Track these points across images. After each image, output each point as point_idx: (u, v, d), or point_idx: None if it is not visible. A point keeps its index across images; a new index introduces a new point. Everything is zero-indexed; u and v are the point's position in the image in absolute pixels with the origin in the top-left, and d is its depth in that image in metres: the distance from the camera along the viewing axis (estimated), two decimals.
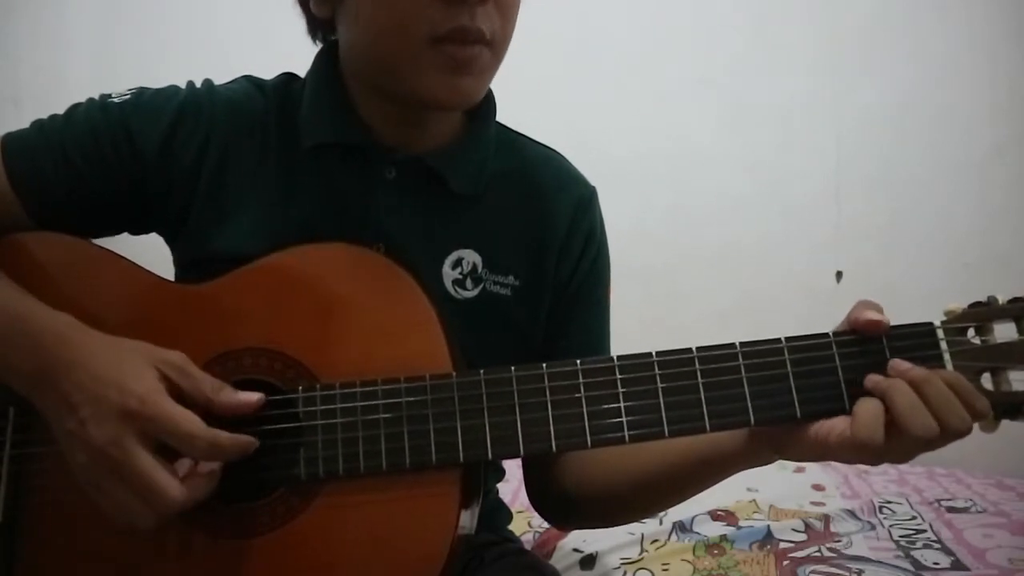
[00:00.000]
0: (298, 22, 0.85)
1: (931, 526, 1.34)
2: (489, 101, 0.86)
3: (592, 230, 0.87)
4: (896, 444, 0.60)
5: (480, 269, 0.81)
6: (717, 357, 0.64)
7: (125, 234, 0.83)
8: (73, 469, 0.63)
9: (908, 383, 0.60)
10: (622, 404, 0.64)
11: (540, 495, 0.86)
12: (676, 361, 0.64)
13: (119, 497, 0.61)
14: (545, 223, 0.84)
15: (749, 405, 0.63)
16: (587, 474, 0.80)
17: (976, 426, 0.61)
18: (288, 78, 0.85)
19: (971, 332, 0.63)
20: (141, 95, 0.79)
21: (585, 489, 0.81)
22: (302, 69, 0.85)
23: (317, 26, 0.83)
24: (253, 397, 0.66)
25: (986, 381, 0.62)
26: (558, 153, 0.91)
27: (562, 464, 0.82)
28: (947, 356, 0.62)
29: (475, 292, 0.80)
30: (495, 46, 0.72)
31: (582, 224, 0.86)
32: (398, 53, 0.71)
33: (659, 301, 2.18)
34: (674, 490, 0.78)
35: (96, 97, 0.79)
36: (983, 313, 0.63)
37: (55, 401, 0.64)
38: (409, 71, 0.71)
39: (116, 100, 0.79)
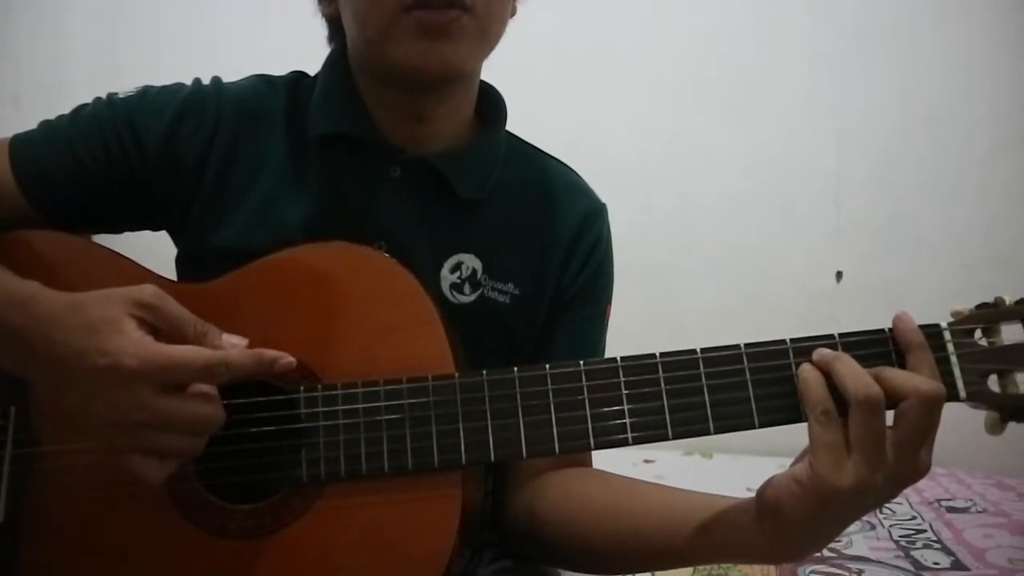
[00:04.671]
0: (297, 23, 0.86)
1: (931, 526, 1.34)
2: (499, 108, 0.85)
3: (597, 244, 0.86)
4: (855, 460, 0.57)
5: (480, 275, 0.80)
6: (722, 359, 0.63)
7: (126, 234, 0.83)
8: (99, 440, 0.62)
9: (815, 365, 0.60)
10: (626, 406, 0.63)
11: (510, 521, 0.82)
12: (680, 363, 0.63)
13: (163, 444, 0.60)
14: (550, 234, 0.83)
15: (753, 407, 0.62)
16: (566, 512, 0.76)
17: (985, 431, 0.61)
18: (299, 75, 0.85)
19: (978, 333, 0.62)
20: (146, 92, 0.79)
21: (561, 528, 0.76)
22: (302, 69, 0.86)
23: (332, 29, 0.84)
24: (243, 343, 0.63)
25: (993, 383, 0.61)
26: (569, 167, 0.90)
27: (539, 491, 0.79)
28: (954, 358, 0.62)
29: (472, 297, 0.80)
30: (478, 13, 0.71)
31: (587, 236, 0.85)
32: (377, 26, 0.71)
33: (659, 301, 2.19)
34: (660, 562, 0.74)
35: (103, 96, 0.79)
36: (990, 314, 0.62)
37: (49, 379, 0.63)
38: (388, 42, 0.71)
39: (122, 98, 0.79)
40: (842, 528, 0.63)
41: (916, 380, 0.58)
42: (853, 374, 0.58)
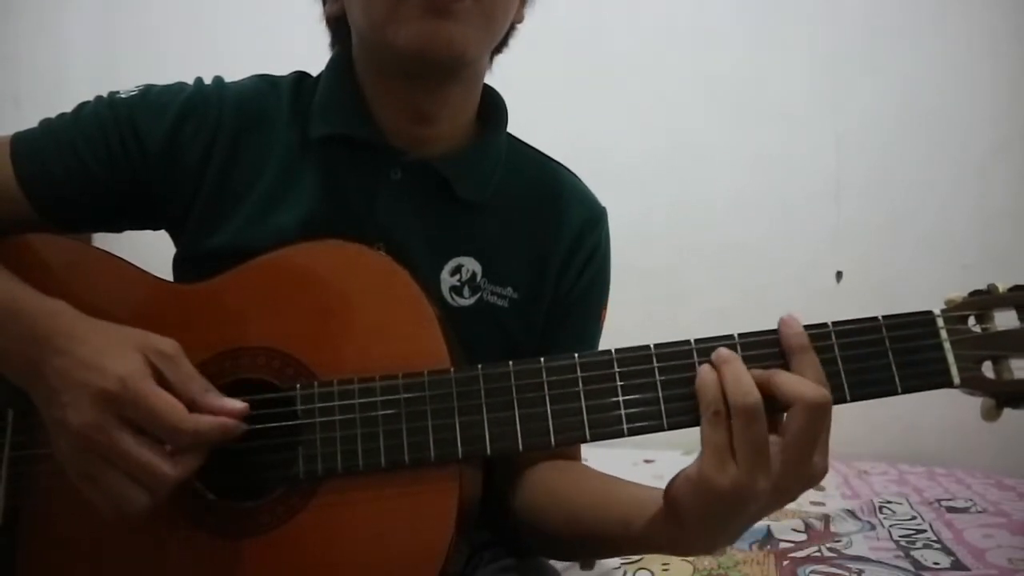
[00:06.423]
0: (297, 23, 0.86)
1: (931, 526, 1.34)
2: (500, 110, 0.85)
3: (596, 249, 0.86)
4: (735, 454, 0.57)
5: (479, 278, 0.80)
6: (715, 348, 0.63)
7: (125, 234, 0.84)
8: (62, 460, 0.63)
9: (713, 366, 0.60)
10: (621, 398, 0.64)
11: (502, 511, 0.83)
12: (674, 353, 0.64)
13: (109, 481, 0.60)
14: (549, 238, 0.84)
15: None
16: (535, 509, 0.78)
17: (981, 417, 0.61)
18: (301, 75, 0.85)
19: (971, 320, 0.62)
20: (148, 92, 0.79)
21: (528, 513, 0.79)
22: (303, 69, 0.86)
23: (336, 32, 0.84)
24: (238, 405, 0.64)
25: (987, 370, 0.61)
26: (571, 171, 0.90)
27: (517, 487, 0.81)
28: (947, 345, 0.62)
29: (471, 301, 0.80)
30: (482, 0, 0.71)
31: (585, 244, 0.85)
32: (382, 11, 0.71)
33: (659, 300, 2.18)
34: (609, 551, 0.77)
35: (104, 95, 0.79)
36: (984, 301, 0.62)
37: (43, 389, 0.63)
38: (393, 24, 0.70)
39: (123, 96, 0.79)
40: (737, 529, 0.63)
41: (802, 387, 0.58)
42: (734, 381, 0.58)
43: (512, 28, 0.82)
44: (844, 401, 0.62)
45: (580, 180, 0.90)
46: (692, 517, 0.60)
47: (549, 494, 0.78)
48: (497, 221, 0.82)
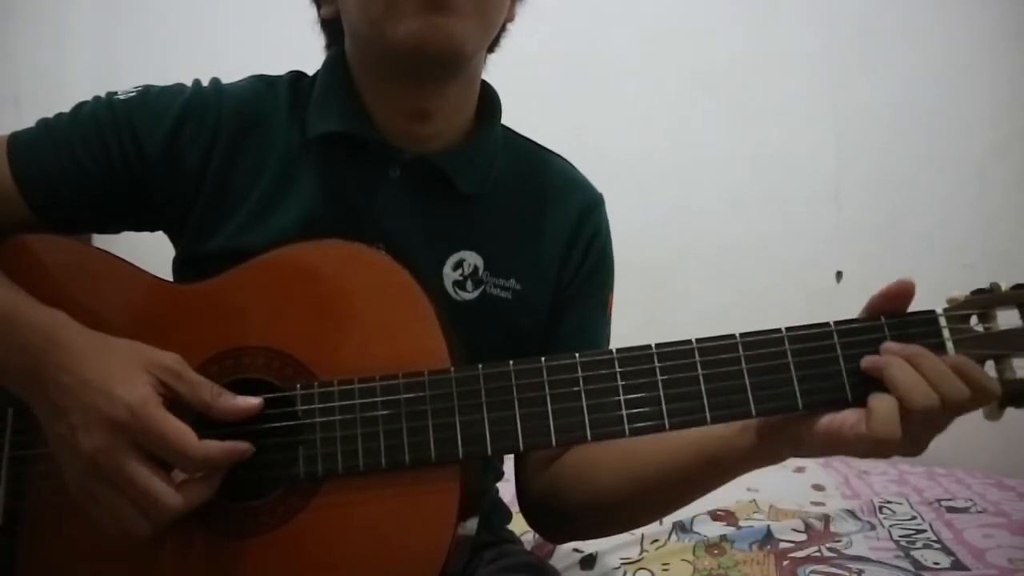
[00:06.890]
0: (298, 23, 0.86)
1: (931, 526, 1.34)
2: (494, 103, 0.86)
3: (595, 236, 0.87)
4: (905, 428, 0.59)
5: (481, 271, 0.80)
6: (717, 348, 0.63)
7: (125, 234, 0.83)
8: (65, 475, 0.63)
9: (904, 359, 0.60)
10: (622, 397, 0.63)
11: (535, 505, 0.85)
12: (676, 353, 0.64)
13: (113, 505, 0.61)
14: (549, 228, 0.84)
15: (750, 396, 0.62)
16: (588, 477, 0.79)
17: (982, 416, 0.61)
18: (298, 75, 0.85)
19: (974, 319, 0.62)
20: (147, 93, 0.79)
21: (585, 494, 0.79)
22: (303, 68, 0.86)
23: (331, 34, 0.84)
24: (253, 402, 0.65)
25: (990, 369, 0.61)
26: (566, 159, 0.91)
27: (559, 469, 0.81)
28: (950, 344, 0.62)
29: (475, 294, 0.80)
30: None
31: (586, 230, 0.86)
32: (380, 6, 0.71)
33: (659, 300, 2.18)
34: (681, 492, 0.76)
35: (102, 95, 0.79)
36: (986, 300, 0.62)
37: (46, 404, 0.64)
38: (391, 21, 0.70)
39: (122, 98, 0.79)
40: None
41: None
42: (941, 372, 0.59)
43: (504, 27, 0.82)
44: (846, 403, 0.62)
45: (575, 167, 0.91)
46: (812, 454, 0.65)
47: (609, 461, 0.77)
48: (496, 213, 0.82)
